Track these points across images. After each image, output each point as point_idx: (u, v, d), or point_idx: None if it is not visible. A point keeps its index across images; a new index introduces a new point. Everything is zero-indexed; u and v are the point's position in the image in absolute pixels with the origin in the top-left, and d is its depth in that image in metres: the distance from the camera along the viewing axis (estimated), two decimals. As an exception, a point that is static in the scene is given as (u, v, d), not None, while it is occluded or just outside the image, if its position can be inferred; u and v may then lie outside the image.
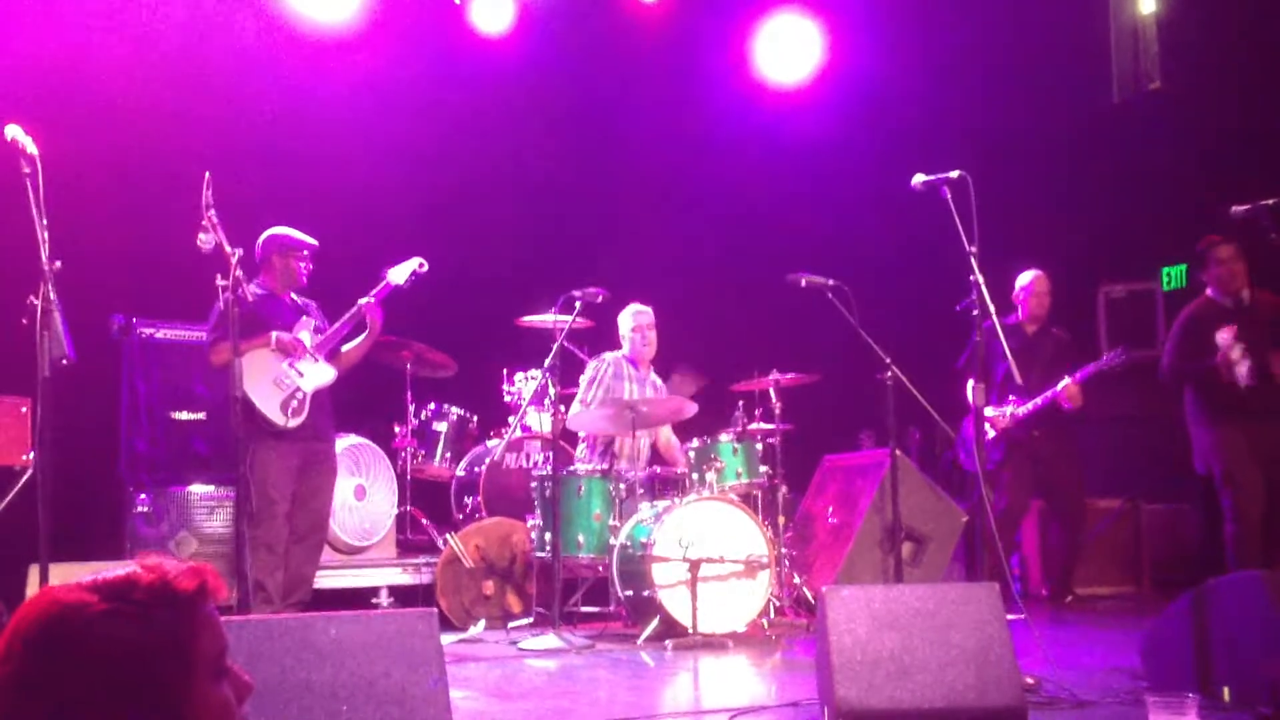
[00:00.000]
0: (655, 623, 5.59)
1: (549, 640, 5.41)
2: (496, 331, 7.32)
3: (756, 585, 5.71)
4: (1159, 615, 4.03)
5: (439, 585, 6.22)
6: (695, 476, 6.07)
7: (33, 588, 5.18)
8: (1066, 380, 6.59)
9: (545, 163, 8.30)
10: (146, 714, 1.21)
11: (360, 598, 6.46)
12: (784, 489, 6.48)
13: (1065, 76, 8.49)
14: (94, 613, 1.21)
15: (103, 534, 6.22)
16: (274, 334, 5.49)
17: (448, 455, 7.05)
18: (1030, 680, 3.82)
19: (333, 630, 2.99)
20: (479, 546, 6.28)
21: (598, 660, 5.21)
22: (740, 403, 6.45)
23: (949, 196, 4.48)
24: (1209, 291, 6.22)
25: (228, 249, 4.56)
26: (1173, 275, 8.08)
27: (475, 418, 7.22)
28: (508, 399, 7.00)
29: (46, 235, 3.92)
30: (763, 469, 6.24)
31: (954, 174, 4.50)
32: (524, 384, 6.92)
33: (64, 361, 3.92)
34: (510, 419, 6.70)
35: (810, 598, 6.23)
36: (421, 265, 5.79)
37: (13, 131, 3.99)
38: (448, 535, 6.38)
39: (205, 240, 4.55)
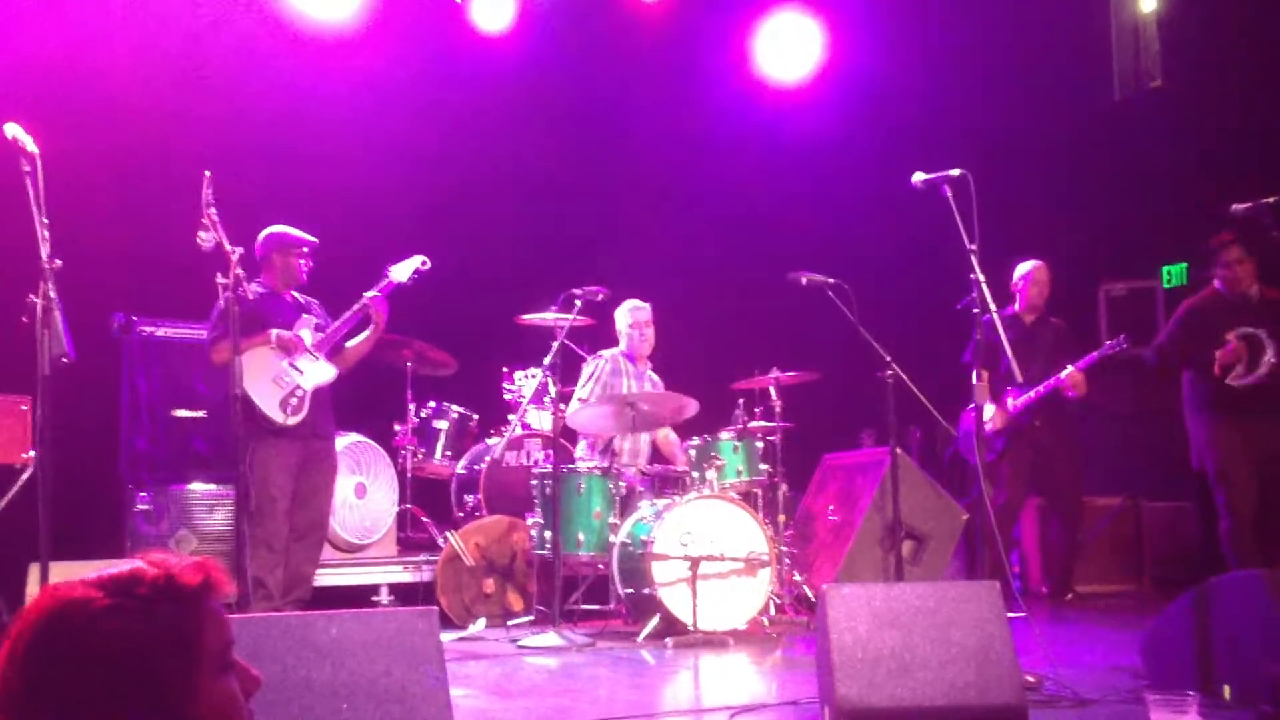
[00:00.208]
0: (656, 621, 5.59)
1: (549, 638, 5.41)
2: (497, 330, 7.32)
3: (757, 583, 5.71)
4: (1160, 614, 4.03)
5: (439, 583, 6.22)
6: (696, 474, 6.07)
7: (33, 586, 5.18)
8: (1070, 368, 6.59)
9: (546, 161, 8.30)
10: (151, 708, 1.22)
11: (361, 596, 6.46)
12: (784, 487, 6.48)
13: (1066, 75, 8.49)
14: (98, 608, 1.22)
15: (103, 532, 6.22)
16: (274, 332, 5.50)
17: (448, 453, 7.05)
18: (1031, 678, 3.82)
19: (333, 628, 2.99)
20: (479, 544, 6.28)
21: (598, 658, 5.21)
22: (741, 401, 6.45)
23: (950, 195, 4.48)
24: (1217, 284, 6.21)
25: (228, 247, 4.56)
26: (1173, 273, 8.08)
27: (476, 416, 7.22)
28: (508, 397, 7.00)
29: (47, 233, 3.92)
30: (763, 467, 6.24)
31: (954, 172, 4.50)
32: (524, 382, 6.92)
33: (64, 360, 3.93)
34: (510, 417, 6.70)
35: (810, 596, 6.23)
36: (424, 263, 5.79)
37: (13, 130, 3.99)
38: (448, 533, 6.38)
39: (205, 239, 4.55)
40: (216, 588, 1.30)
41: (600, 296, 5.97)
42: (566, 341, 6.02)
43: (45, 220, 3.93)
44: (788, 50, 9.09)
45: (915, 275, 8.10)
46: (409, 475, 6.89)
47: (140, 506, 6.21)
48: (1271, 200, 4.92)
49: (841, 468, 7.03)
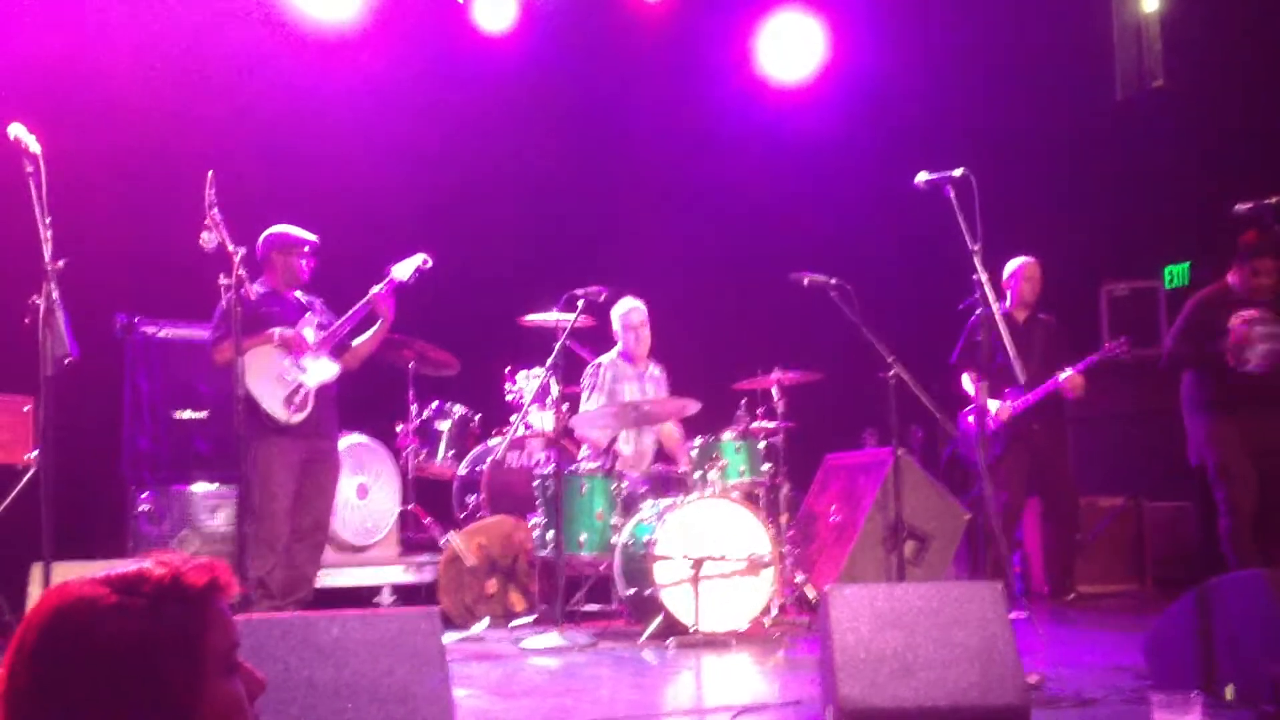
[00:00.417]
0: (657, 621, 5.59)
1: (551, 639, 5.41)
2: (499, 330, 7.32)
3: (759, 584, 5.71)
4: (1162, 613, 4.02)
5: (441, 584, 6.22)
6: (698, 475, 6.07)
7: (35, 587, 5.19)
8: (1069, 371, 6.58)
9: (548, 161, 8.30)
10: (154, 707, 1.22)
11: (362, 596, 6.46)
12: (786, 487, 6.48)
13: (1068, 74, 8.48)
14: (104, 605, 1.23)
15: (105, 533, 6.23)
16: (276, 330, 5.50)
17: (450, 454, 7.05)
18: (1033, 678, 3.81)
19: (336, 629, 2.99)
20: (481, 545, 6.28)
21: (600, 659, 5.21)
22: (743, 401, 6.45)
23: (952, 195, 4.47)
24: (1230, 279, 6.06)
25: (230, 247, 4.57)
26: (1175, 274, 8.07)
27: (478, 416, 7.22)
28: (510, 397, 7.00)
29: (49, 234, 3.92)
30: (765, 467, 6.24)
31: (957, 172, 4.49)
32: (526, 382, 6.91)
33: (67, 360, 3.93)
34: (513, 417, 6.69)
35: (813, 596, 6.23)
36: (426, 261, 5.79)
37: (16, 130, 4.00)
38: (450, 534, 6.38)
39: (208, 239, 4.56)
40: (224, 589, 1.31)
41: (602, 297, 5.97)
42: (569, 342, 6.02)
43: (48, 220, 3.93)
44: (789, 50, 9.09)
45: (917, 275, 8.10)
46: (411, 476, 6.89)
47: (142, 507, 6.21)
48: (1274, 200, 4.92)
49: (844, 468, 7.03)
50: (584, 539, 5.97)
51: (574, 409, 6.60)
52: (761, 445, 6.26)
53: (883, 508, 6.31)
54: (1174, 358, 6.14)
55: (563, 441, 6.27)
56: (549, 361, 6.00)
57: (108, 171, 6.61)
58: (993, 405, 6.68)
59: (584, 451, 6.77)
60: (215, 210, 4.56)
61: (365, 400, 6.67)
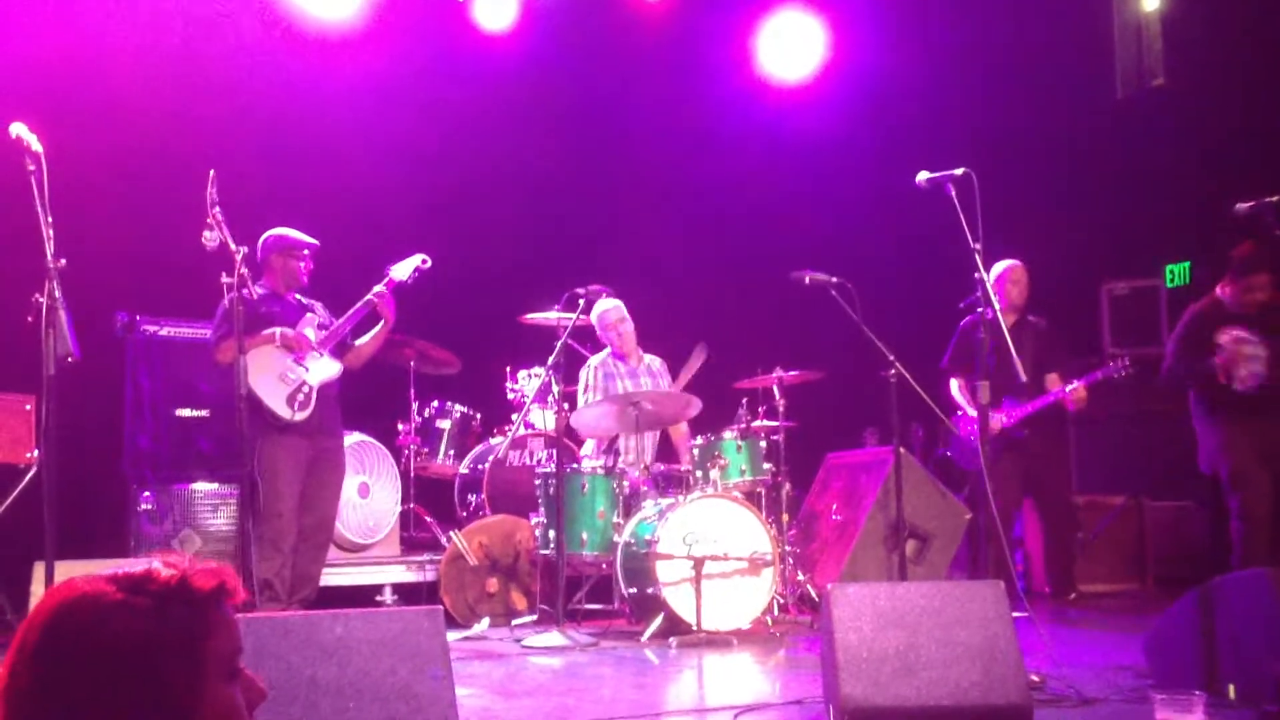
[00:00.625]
0: (659, 620, 5.59)
1: (553, 638, 5.41)
2: (500, 329, 7.33)
3: (760, 583, 5.71)
4: (1164, 613, 4.03)
5: (443, 583, 6.22)
6: (699, 474, 6.08)
7: (38, 585, 5.19)
8: (1075, 384, 6.55)
9: (548, 160, 8.30)
10: (154, 707, 1.22)
11: (364, 595, 6.46)
12: (788, 486, 6.48)
13: (1068, 73, 8.48)
14: (109, 602, 1.23)
15: (107, 532, 6.23)
16: (278, 330, 5.50)
17: (451, 453, 7.05)
18: (1035, 678, 3.82)
19: (339, 628, 2.99)
20: (483, 544, 6.28)
21: (602, 657, 5.21)
22: (744, 400, 6.45)
23: (954, 194, 4.47)
24: (1219, 292, 6.08)
25: (232, 246, 4.57)
26: (1176, 272, 8.08)
27: (479, 415, 7.23)
28: (511, 396, 7.01)
29: (51, 233, 3.92)
30: (766, 466, 6.24)
31: (959, 171, 4.49)
32: (527, 381, 6.92)
33: (69, 359, 3.93)
34: (514, 416, 6.70)
35: (814, 595, 6.23)
36: (425, 261, 5.79)
37: (17, 129, 3.99)
38: (451, 533, 6.38)
39: (210, 238, 4.56)
40: (231, 594, 1.31)
41: (603, 295, 5.97)
42: (569, 341, 6.02)
43: (50, 219, 3.93)
44: (790, 49, 9.10)
45: (918, 274, 8.10)
46: (412, 475, 6.90)
47: (144, 506, 6.21)
48: (1274, 199, 4.91)
49: (845, 467, 7.04)
50: (586, 538, 5.97)
51: (574, 408, 6.60)
52: (763, 444, 6.26)
53: (884, 507, 6.31)
54: (1172, 375, 6.14)
55: (564, 440, 6.27)
56: (550, 360, 6.00)
57: (109, 170, 6.61)
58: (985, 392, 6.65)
59: (588, 449, 6.76)
60: (217, 209, 4.56)
61: (367, 400, 6.67)
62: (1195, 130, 7.79)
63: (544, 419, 6.81)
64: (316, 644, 2.95)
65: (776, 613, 5.96)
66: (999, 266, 6.93)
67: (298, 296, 5.80)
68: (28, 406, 5.60)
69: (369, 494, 6.74)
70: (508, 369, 7.07)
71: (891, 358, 5.25)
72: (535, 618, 6.05)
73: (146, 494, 6.23)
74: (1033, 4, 8.29)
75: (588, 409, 6.34)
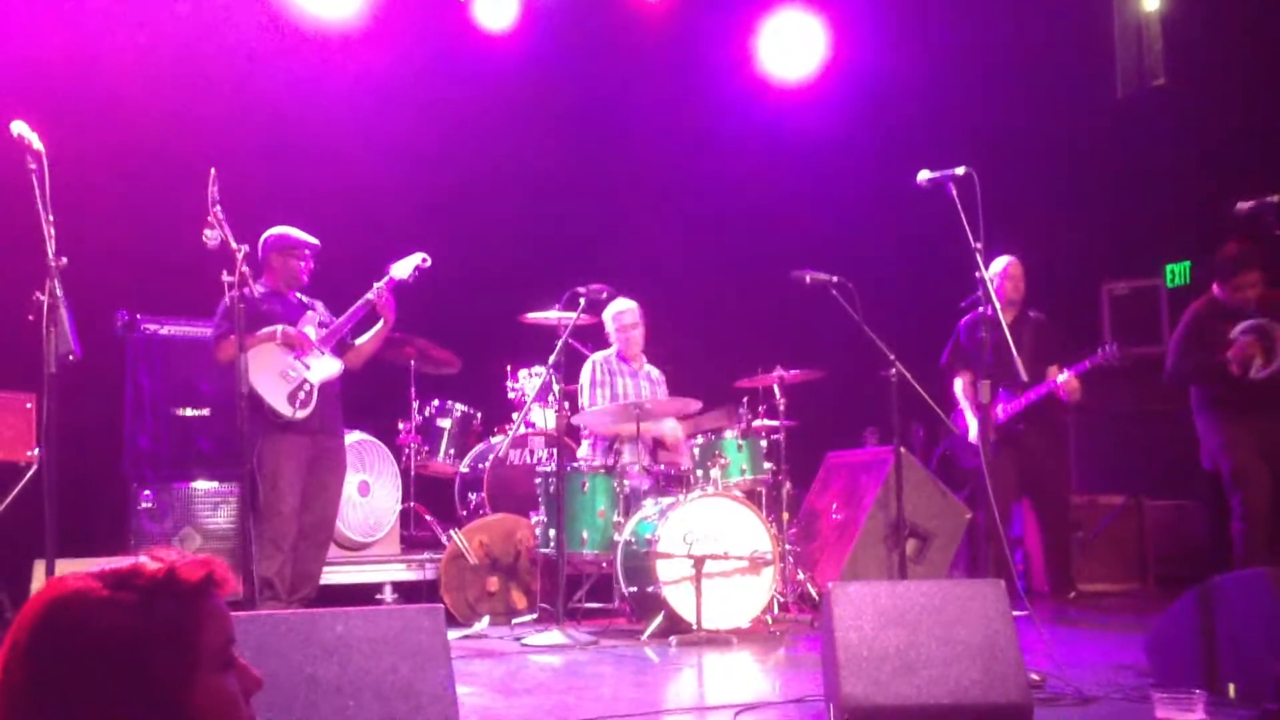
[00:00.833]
0: (659, 619, 5.59)
1: (553, 636, 5.41)
2: (500, 328, 7.33)
3: (761, 581, 5.71)
4: (1164, 612, 4.03)
5: (443, 581, 6.23)
6: (700, 473, 6.08)
7: (38, 584, 5.19)
8: (1067, 374, 6.56)
9: (549, 159, 8.30)
10: (147, 702, 1.22)
11: (364, 594, 6.47)
12: (788, 485, 6.48)
13: (1069, 73, 8.48)
14: (96, 598, 1.23)
15: (107, 530, 6.22)
16: (279, 328, 5.50)
17: (452, 452, 7.05)
18: (1036, 676, 3.82)
19: (339, 626, 2.99)
20: (483, 543, 6.28)
21: (602, 656, 5.21)
22: (744, 399, 6.45)
23: (955, 193, 4.47)
24: (1216, 291, 6.09)
25: (233, 245, 4.57)
26: (1176, 272, 8.08)
27: (479, 414, 7.23)
28: (512, 395, 7.01)
29: (52, 231, 3.92)
30: (767, 465, 6.24)
31: (959, 170, 4.49)
32: (528, 381, 6.92)
33: (70, 357, 3.93)
34: (514, 415, 6.70)
35: (814, 594, 6.24)
36: (425, 260, 5.79)
37: (18, 128, 4.00)
38: (452, 531, 6.38)
39: (210, 236, 4.56)
40: (219, 585, 1.30)
41: (604, 295, 5.98)
42: (570, 340, 6.02)
43: (51, 218, 3.93)
44: (790, 48, 9.10)
45: (918, 273, 8.10)
46: (413, 473, 6.90)
47: (144, 504, 6.21)
48: (1275, 198, 4.91)
49: (845, 466, 7.04)
50: (586, 537, 5.98)
51: (575, 407, 6.60)
52: (763, 443, 6.26)
53: (884, 506, 6.31)
54: (1179, 374, 6.13)
55: (564, 439, 6.27)
56: (551, 360, 6.00)
57: (110, 169, 6.61)
58: (970, 417, 6.68)
59: (584, 450, 6.76)
60: (218, 208, 4.56)
61: (367, 398, 6.67)
62: (1195, 130, 7.79)
63: (544, 418, 6.82)
64: (317, 642, 2.95)
65: (777, 611, 5.96)
66: (997, 263, 6.93)
67: (298, 295, 5.80)
68: (28, 405, 5.60)
69: (369, 492, 6.74)
70: (508, 368, 7.07)
71: (892, 357, 5.25)
72: (535, 616, 6.06)
73: (147, 492, 6.23)
74: (1033, 4, 8.28)
75: (594, 413, 6.34)
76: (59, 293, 3.90)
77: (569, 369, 6.32)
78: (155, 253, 6.49)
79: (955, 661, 3.36)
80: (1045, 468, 6.87)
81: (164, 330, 6.47)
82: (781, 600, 6.12)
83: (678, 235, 8.53)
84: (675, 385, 6.89)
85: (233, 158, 6.02)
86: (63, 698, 1.21)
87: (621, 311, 6.74)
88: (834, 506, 6.84)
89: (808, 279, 5.50)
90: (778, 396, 6.51)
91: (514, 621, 6.04)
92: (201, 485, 6.33)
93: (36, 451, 5.49)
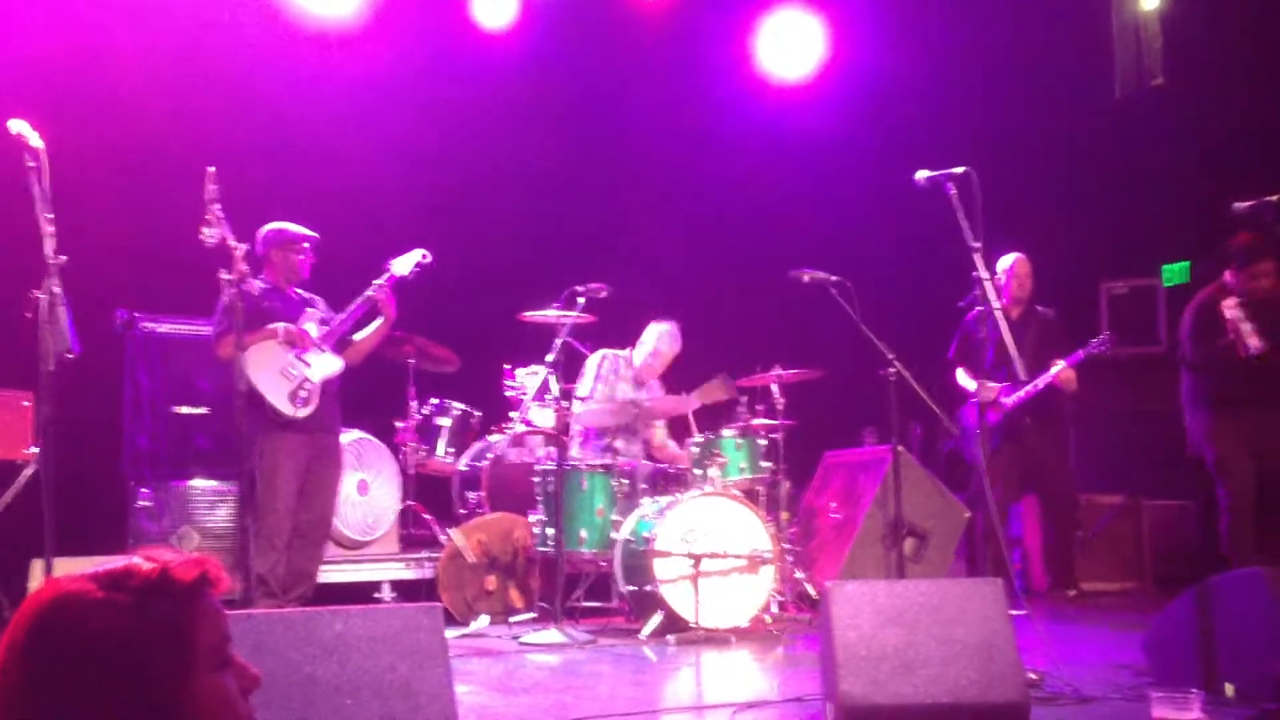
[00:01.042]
0: (658, 618, 5.59)
1: (551, 635, 5.42)
2: (499, 327, 7.30)
3: (759, 580, 5.72)
4: (1162, 611, 4.04)
5: (441, 580, 6.23)
6: (698, 472, 6.08)
7: (35, 582, 5.19)
8: (1061, 364, 6.58)
9: (547, 158, 8.30)
10: (143, 704, 1.22)
11: (362, 592, 6.47)
12: (787, 484, 6.49)
13: (1067, 72, 8.48)
14: (91, 600, 1.22)
15: (105, 529, 6.22)
16: (280, 326, 5.50)
17: (450, 450, 7.04)
18: (1033, 676, 3.82)
19: (337, 624, 2.99)
20: (481, 541, 6.28)
21: (600, 655, 5.22)
22: (743, 398, 6.45)
23: (953, 192, 4.47)
24: (1226, 279, 6.02)
25: (232, 243, 4.57)
26: (1174, 272, 8.08)
27: (478, 413, 7.21)
28: (510, 394, 6.99)
29: (51, 229, 3.92)
30: (765, 464, 6.25)
31: (958, 170, 4.49)
32: (527, 379, 6.91)
33: (68, 355, 3.93)
34: (513, 414, 6.69)
35: (813, 593, 6.24)
36: (425, 256, 5.79)
37: (17, 125, 3.99)
38: (450, 530, 6.38)
39: (209, 234, 4.55)
40: (213, 584, 1.30)
41: (603, 293, 5.97)
42: (569, 339, 6.02)
43: (50, 216, 3.93)
44: (789, 48, 9.10)
45: (917, 272, 8.10)
46: (411, 472, 6.89)
47: (142, 503, 6.21)
48: (1273, 198, 4.92)
49: (844, 465, 7.04)
50: (584, 535, 5.98)
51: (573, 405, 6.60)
52: (762, 442, 6.26)
53: (883, 505, 6.32)
54: (1195, 366, 6.11)
55: (563, 438, 6.27)
56: (549, 358, 6.00)
57: (109, 167, 6.60)
58: (987, 390, 6.69)
59: (574, 450, 6.69)
60: (216, 205, 4.55)
61: (365, 396, 6.67)
62: (1194, 130, 7.79)
63: (543, 417, 6.80)
64: (315, 641, 2.95)
65: (775, 610, 5.97)
66: (1005, 260, 6.97)
67: (298, 291, 5.80)
68: (26, 403, 5.60)
69: (368, 491, 6.74)
70: (507, 366, 7.06)
71: (890, 356, 5.25)
72: (534, 615, 6.06)
73: (145, 491, 6.23)
74: (1032, 4, 8.28)
75: (588, 408, 6.34)
76: (57, 290, 3.90)
77: (568, 367, 6.31)
78: (154, 251, 6.49)
79: (953, 661, 3.36)
80: (1049, 466, 6.90)
81: (162, 329, 6.47)
82: (780, 599, 6.12)
83: (676, 234, 8.53)
84: (674, 384, 6.89)
85: (231, 156, 6.01)
86: (59, 699, 1.20)
87: (673, 335, 6.79)
88: (832, 506, 6.84)
89: (806, 278, 5.50)
90: (776, 396, 6.51)
91: (512, 620, 6.04)
92: (200, 484, 6.33)
93: (34, 449, 5.49)
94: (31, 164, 3.96)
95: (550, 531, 5.86)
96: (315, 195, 6.82)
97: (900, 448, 5.50)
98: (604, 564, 6.11)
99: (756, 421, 6.44)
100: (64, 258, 3.93)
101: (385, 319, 5.80)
